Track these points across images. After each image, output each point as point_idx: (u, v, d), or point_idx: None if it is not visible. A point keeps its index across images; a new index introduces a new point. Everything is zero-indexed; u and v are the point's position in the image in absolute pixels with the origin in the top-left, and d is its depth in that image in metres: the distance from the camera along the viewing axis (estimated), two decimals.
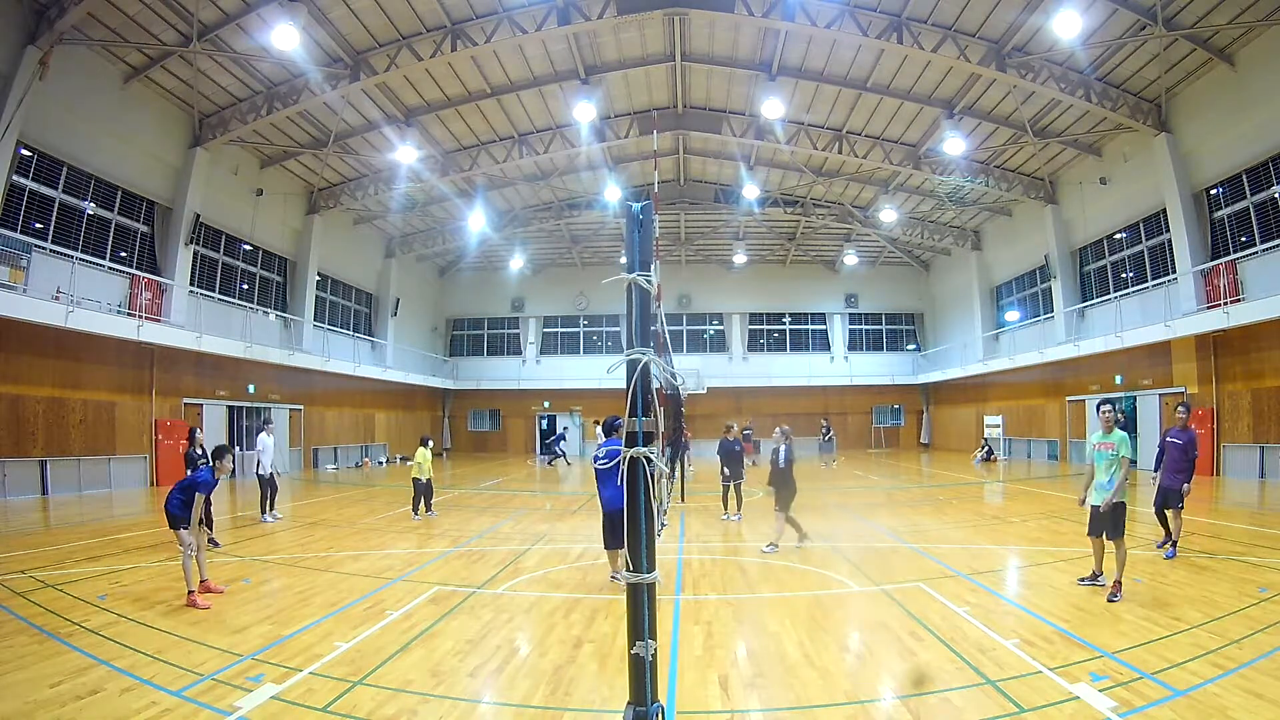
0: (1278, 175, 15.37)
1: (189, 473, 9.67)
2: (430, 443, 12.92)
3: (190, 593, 6.20)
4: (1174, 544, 7.87)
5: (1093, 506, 6.39)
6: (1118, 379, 20.23)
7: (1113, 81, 17.51)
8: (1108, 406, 6.46)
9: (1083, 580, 6.62)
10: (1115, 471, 6.24)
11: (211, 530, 10.91)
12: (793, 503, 8.97)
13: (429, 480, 12.16)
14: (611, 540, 6.92)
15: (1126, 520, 6.33)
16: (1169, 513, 7.99)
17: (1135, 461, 5.90)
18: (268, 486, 11.70)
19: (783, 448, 9.27)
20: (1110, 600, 5.93)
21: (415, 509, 12.12)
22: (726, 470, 11.83)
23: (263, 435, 12.07)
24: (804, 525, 9.01)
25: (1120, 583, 6.07)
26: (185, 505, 6.41)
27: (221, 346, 18.52)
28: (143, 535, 10.12)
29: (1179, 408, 8.59)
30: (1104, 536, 6.33)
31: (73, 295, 14.30)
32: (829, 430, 25.78)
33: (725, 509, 11.78)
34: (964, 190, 24.83)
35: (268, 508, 11.69)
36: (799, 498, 9.08)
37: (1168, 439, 8.24)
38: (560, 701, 4.20)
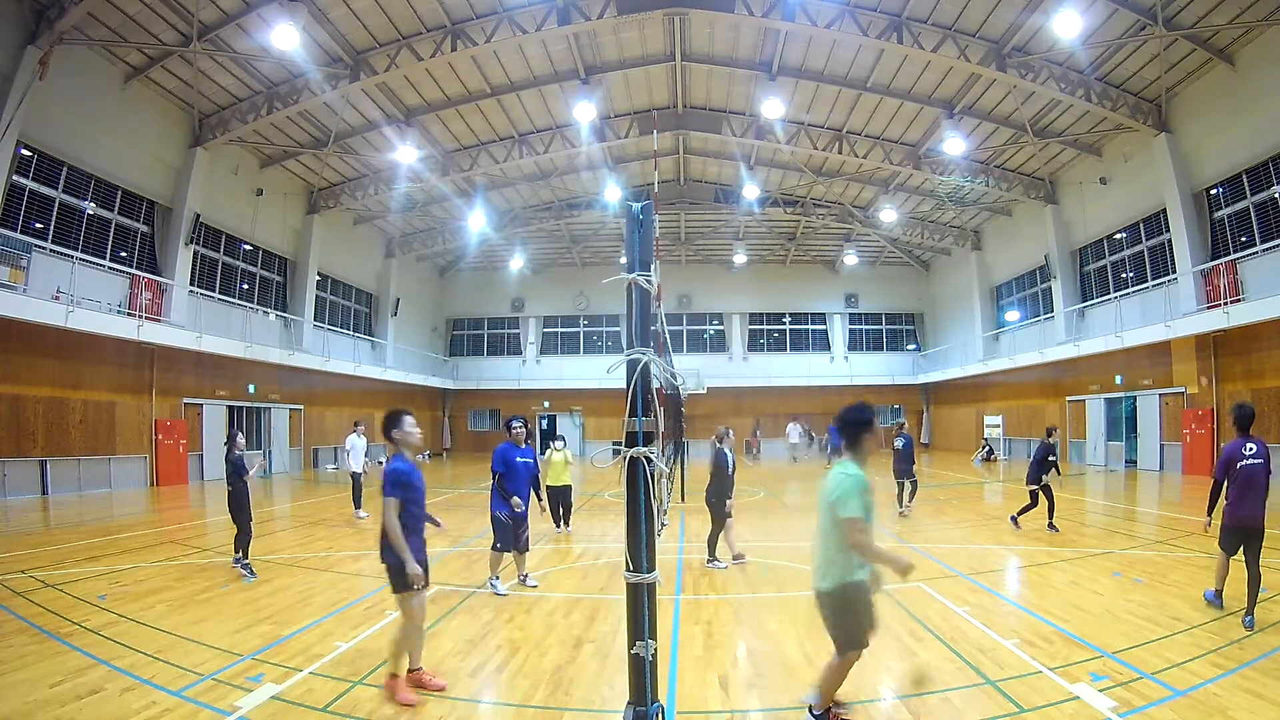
0: (1278, 175, 15.36)
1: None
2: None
3: None
4: (1250, 612, 5.18)
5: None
6: (1118, 379, 20.22)
7: (1113, 81, 17.50)
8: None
9: None
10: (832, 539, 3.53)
11: None
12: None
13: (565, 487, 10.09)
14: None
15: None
16: (1247, 558, 5.28)
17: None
18: (357, 483, 12.40)
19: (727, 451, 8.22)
20: None
21: (558, 521, 10.02)
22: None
23: (352, 436, 12.79)
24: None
25: None
26: None
27: (221, 346, 18.50)
28: (143, 535, 10.13)
29: (1240, 407, 5.63)
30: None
31: (73, 295, 14.28)
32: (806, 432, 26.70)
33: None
34: (964, 190, 24.81)
35: (358, 504, 12.30)
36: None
37: (1247, 462, 5.29)
38: (560, 701, 4.21)
